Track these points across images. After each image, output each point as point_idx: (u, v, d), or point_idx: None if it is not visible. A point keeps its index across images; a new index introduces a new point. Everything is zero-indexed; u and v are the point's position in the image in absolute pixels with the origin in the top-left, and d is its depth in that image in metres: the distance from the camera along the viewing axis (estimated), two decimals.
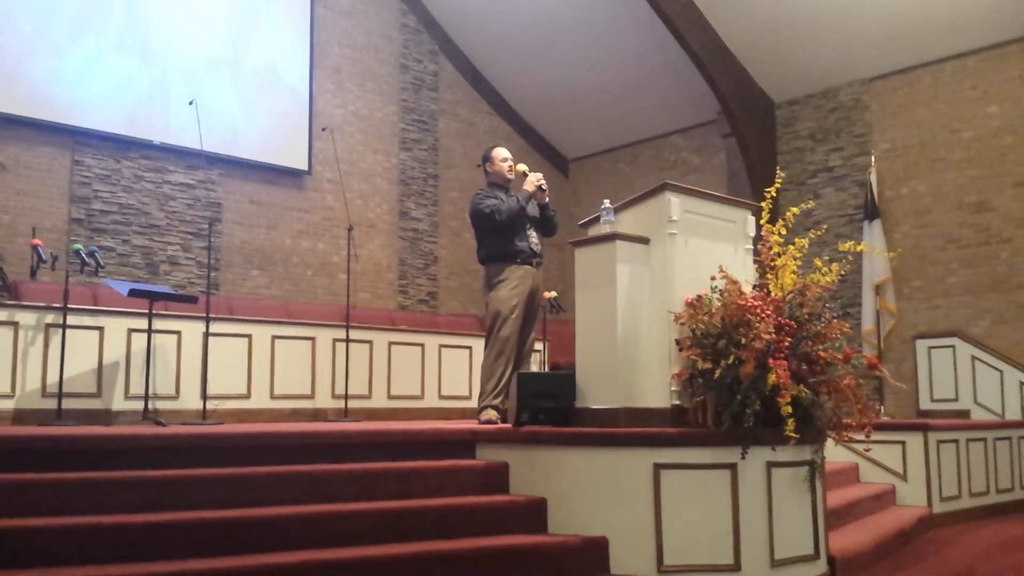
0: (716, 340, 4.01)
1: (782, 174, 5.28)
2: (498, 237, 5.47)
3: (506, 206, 5.39)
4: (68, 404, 5.73)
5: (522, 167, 5.58)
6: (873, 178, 9.33)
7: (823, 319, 4.19)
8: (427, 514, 3.87)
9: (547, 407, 4.45)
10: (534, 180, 5.46)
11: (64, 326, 5.78)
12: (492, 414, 5.28)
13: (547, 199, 5.58)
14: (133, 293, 5.94)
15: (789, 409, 3.80)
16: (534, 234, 5.57)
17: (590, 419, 4.33)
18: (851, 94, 9.87)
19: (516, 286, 5.43)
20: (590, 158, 12.74)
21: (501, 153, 5.70)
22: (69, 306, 5.83)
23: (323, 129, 9.52)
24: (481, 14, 11.17)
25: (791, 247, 4.36)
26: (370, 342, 7.46)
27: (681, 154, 11.59)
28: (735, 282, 4.15)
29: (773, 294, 4.24)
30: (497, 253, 5.49)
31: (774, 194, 4.53)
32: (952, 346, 8.42)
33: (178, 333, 6.43)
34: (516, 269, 5.44)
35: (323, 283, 10.20)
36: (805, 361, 4.08)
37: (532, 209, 5.57)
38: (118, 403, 6.11)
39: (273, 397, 6.85)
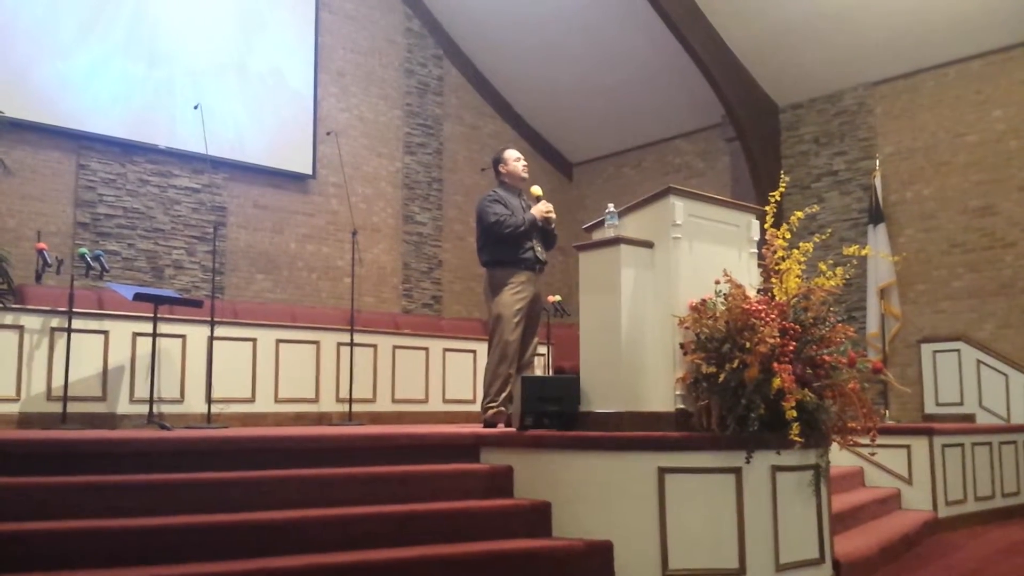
0: (720, 344, 4.01)
1: (786, 178, 5.27)
2: (504, 244, 5.48)
3: (513, 221, 5.40)
4: (73, 408, 5.74)
5: (536, 190, 5.59)
6: (878, 182, 9.32)
7: (828, 323, 4.19)
8: (431, 518, 3.88)
9: (551, 411, 4.45)
10: (543, 210, 5.51)
11: (69, 330, 5.79)
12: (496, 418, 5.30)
13: (551, 225, 5.64)
14: (138, 297, 5.96)
15: (794, 413, 3.80)
16: (539, 243, 5.59)
17: (594, 423, 4.33)
18: (855, 98, 9.86)
19: (520, 291, 5.43)
20: (594, 162, 12.74)
21: (514, 154, 5.72)
22: (74, 310, 5.84)
23: (328, 133, 9.56)
24: (485, 18, 11.19)
25: (795, 251, 4.36)
26: (374, 346, 7.47)
27: (685, 158, 11.59)
28: (739, 286, 4.15)
29: (777, 298, 4.23)
30: (502, 258, 5.49)
31: (778, 198, 4.54)
32: (957, 350, 8.41)
33: (183, 337, 6.45)
34: (520, 274, 5.45)
35: (327, 287, 10.21)
36: (810, 365, 4.08)
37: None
38: (123, 407, 6.12)
39: (277, 401, 6.87)
